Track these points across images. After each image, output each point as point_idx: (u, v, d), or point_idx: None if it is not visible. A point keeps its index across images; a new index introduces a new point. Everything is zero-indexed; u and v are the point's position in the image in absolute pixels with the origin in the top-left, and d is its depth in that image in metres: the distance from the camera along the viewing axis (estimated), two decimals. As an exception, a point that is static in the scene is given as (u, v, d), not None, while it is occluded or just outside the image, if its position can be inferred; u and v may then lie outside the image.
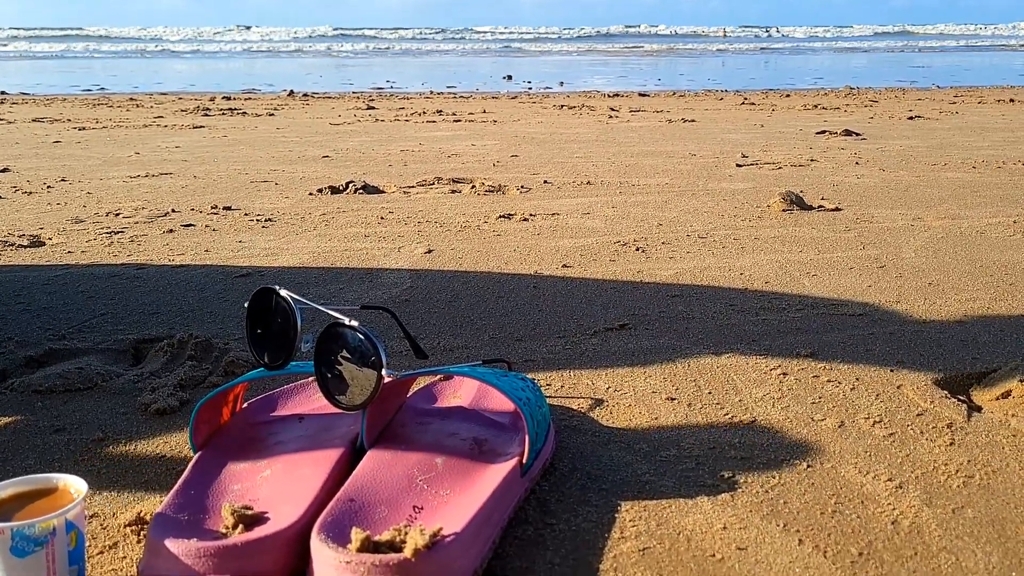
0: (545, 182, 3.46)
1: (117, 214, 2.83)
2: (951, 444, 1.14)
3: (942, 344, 1.55)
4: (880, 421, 1.21)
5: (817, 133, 5.34)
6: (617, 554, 0.87)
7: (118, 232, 2.55)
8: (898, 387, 1.35)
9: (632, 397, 1.31)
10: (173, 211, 2.88)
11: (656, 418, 1.23)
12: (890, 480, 1.03)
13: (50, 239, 2.47)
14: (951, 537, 0.90)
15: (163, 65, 17.89)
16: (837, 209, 2.87)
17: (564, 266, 2.14)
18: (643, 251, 2.30)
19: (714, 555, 0.87)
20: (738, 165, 3.94)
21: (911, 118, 6.40)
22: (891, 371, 1.42)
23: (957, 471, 1.06)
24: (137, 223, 2.69)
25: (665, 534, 0.91)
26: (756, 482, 1.03)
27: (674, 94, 9.58)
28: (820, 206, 2.91)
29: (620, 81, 12.59)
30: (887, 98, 8.62)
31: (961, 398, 1.32)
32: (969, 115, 6.67)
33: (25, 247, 2.36)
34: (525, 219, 2.73)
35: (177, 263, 2.19)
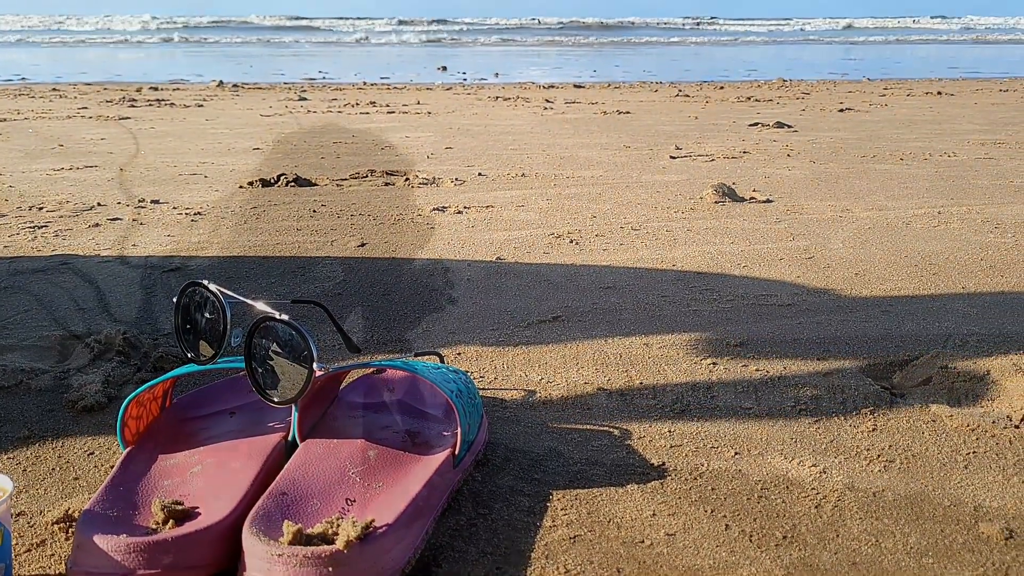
0: (479, 174, 3.46)
1: (41, 208, 2.77)
2: (873, 430, 1.17)
3: (867, 333, 1.59)
4: (806, 409, 1.24)
5: (750, 125, 5.41)
6: (548, 542, 0.88)
7: (42, 227, 2.50)
8: (824, 375, 1.38)
9: (565, 388, 1.33)
10: (99, 205, 2.82)
11: (588, 408, 1.25)
12: (815, 466, 1.06)
13: (-28, 233, 2.41)
14: (871, 520, 0.93)
15: (86, 54, 17.51)
16: (768, 201, 2.92)
17: (498, 258, 2.15)
18: (577, 243, 2.31)
19: (643, 541, 0.89)
20: (672, 157, 3.99)
21: (841, 110, 6.52)
22: (818, 359, 1.45)
23: (879, 456, 1.09)
24: (62, 217, 2.64)
25: (596, 522, 0.93)
26: (685, 469, 1.05)
27: (609, 86, 9.63)
28: (752, 198, 2.95)
29: (555, 72, 12.63)
30: (819, 90, 8.77)
31: (884, 385, 1.36)
32: (898, 108, 6.81)
33: (-54, 242, 2.31)
34: (459, 211, 2.73)
35: (104, 257, 2.16)
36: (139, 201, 2.87)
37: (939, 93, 8.39)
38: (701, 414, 1.22)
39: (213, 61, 15.59)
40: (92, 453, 1.10)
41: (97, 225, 2.53)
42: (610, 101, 7.45)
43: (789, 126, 5.34)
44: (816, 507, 0.96)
